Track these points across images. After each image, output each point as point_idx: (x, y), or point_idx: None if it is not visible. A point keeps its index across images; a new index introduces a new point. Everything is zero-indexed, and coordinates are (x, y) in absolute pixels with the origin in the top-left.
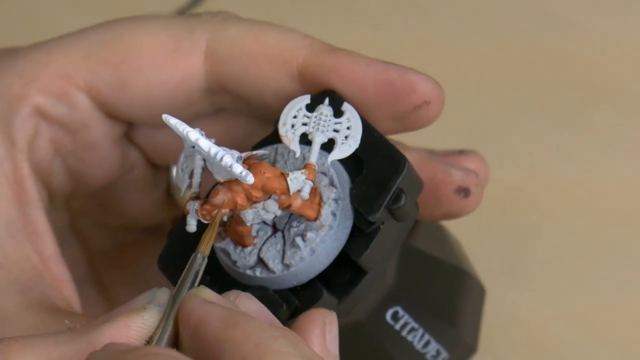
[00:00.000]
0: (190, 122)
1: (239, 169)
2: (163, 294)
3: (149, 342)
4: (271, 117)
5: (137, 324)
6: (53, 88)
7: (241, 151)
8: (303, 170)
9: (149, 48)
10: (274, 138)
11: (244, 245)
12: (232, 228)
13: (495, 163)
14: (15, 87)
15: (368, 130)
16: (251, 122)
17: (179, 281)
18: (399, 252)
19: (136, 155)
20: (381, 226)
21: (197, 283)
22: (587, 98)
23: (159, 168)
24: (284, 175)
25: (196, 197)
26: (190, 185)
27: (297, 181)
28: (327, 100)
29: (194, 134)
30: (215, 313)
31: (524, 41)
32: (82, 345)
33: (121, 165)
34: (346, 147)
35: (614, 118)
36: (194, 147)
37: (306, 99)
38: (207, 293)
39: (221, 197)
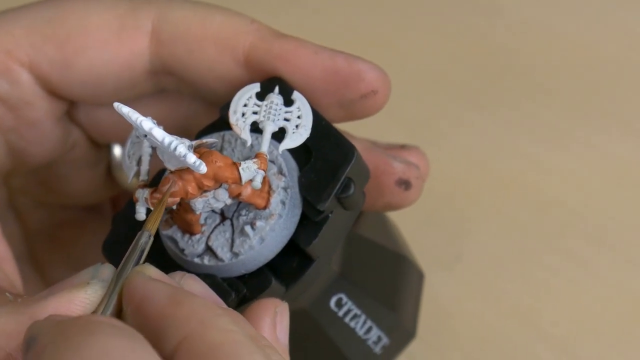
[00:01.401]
0: (133, 102)
1: (192, 158)
2: (106, 270)
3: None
4: (214, 101)
5: (79, 299)
6: None
7: (187, 137)
8: (255, 160)
9: (94, 27)
10: (220, 125)
11: (192, 233)
12: (180, 216)
13: (437, 154)
14: None
15: (316, 119)
16: (193, 104)
17: (124, 258)
18: (343, 243)
19: (78, 133)
20: (330, 215)
21: (142, 261)
22: (529, 92)
23: (100, 147)
24: (235, 165)
25: (145, 185)
26: (138, 173)
27: (249, 171)
28: (277, 89)
29: (147, 123)
30: (161, 290)
31: (469, 34)
32: (24, 318)
33: (63, 144)
34: (297, 137)
35: (555, 112)
36: (145, 135)
37: (256, 87)
38: (152, 271)
39: (174, 184)
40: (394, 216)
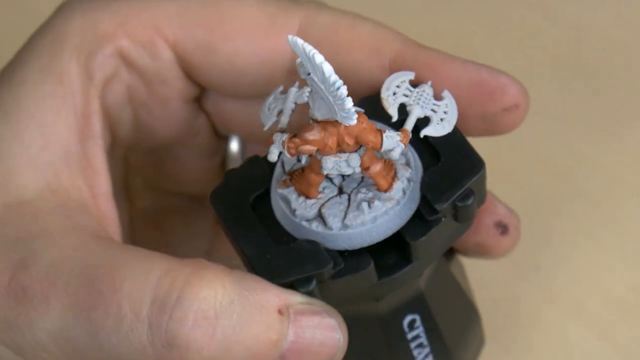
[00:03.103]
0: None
1: (350, 103)
2: None
3: None
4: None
5: None
6: (141, 35)
7: None
8: (398, 133)
9: (245, 17)
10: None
11: (308, 197)
12: (302, 176)
13: (516, 164)
14: (105, 25)
15: (453, 129)
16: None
17: None
18: (437, 264)
19: (203, 120)
20: (443, 219)
21: None
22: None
23: (220, 137)
24: (380, 131)
25: (283, 131)
26: (277, 123)
27: (392, 140)
28: (430, 82)
29: (319, 57)
30: None
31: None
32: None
33: (187, 127)
34: (440, 128)
35: None
36: (309, 74)
37: (411, 75)
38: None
39: (316, 133)
40: None
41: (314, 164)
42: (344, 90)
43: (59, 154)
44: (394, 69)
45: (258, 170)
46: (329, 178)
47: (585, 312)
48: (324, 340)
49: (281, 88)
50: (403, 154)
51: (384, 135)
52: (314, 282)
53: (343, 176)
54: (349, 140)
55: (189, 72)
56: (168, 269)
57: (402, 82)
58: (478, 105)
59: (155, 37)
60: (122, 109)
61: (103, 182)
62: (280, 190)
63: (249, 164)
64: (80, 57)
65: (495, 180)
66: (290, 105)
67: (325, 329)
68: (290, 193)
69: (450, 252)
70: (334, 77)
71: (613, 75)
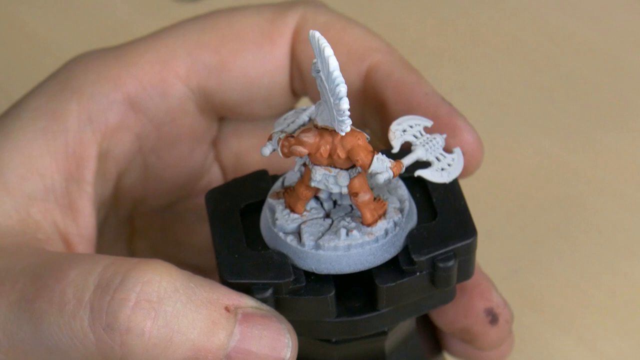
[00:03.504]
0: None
1: (345, 104)
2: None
3: None
4: None
5: None
6: (150, 75)
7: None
8: (391, 160)
9: (246, 30)
10: None
11: (294, 211)
12: (293, 190)
13: (500, 169)
14: (111, 69)
15: (457, 193)
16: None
17: None
18: (407, 336)
19: (217, 176)
20: (418, 273)
21: None
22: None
23: None
24: (373, 152)
25: (283, 132)
26: (283, 131)
27: (382, 163)
28: (445, 135)
29: (329, 50)
30: None
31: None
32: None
33: (199, 174)
34: (437, 175)
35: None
36: (318, 72)
37: (428, 122)
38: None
39: (311, 136)
40: None
41: (306, 175)
42: (342, 89)
43: (37, 187)
44: (367, 77)
45: (260, 183)
46: (319, 201)
47: (566, 317)
48: (271, 342)
49: (305, 107)
50: (400, 200)
51: (376, 156)
52: (270, 291)
53: (334, 203)
54: (341, 153)
55: (203, 103)
56: (115, 259)
57: (416, 124)
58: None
59: (165, 74)
60: (132, 158)
61: (84, 227)
62: (270, 200)
63: (254, 175)
64: (82, 99)
65: (478, 184)
66: (303, 117)
67: (273, 332)
68: (278, 204)
69: (437, 348)
70: (337, 72)
71: (591, 82)
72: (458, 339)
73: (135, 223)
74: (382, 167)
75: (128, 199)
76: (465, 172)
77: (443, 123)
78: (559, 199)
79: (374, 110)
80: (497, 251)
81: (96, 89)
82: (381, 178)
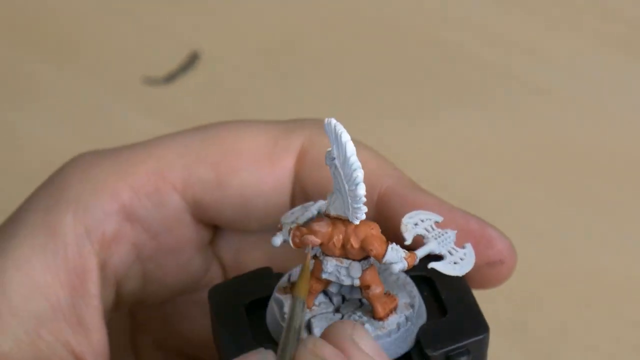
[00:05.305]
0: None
1: (362, 190)
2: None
3: None
4: None
5: None
6: (146, 185)
7: None
8: (405, 251)
9: (249, 148)
10: None
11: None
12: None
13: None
14: (107, 178)
15: (466, 289)
16: None
17: (284, 334)
18: None
19: (217, 273)
20: None
21: (300, 332)
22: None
23: None
24: (387, 242)
25: (294, 223)
26: (292, 222)
27: (396, 254)
28: (456, 231)
29: (346, 136)
30: None
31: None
32: None
33: (200, 278)
34: (450, 268)
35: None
36: (333, 159)
37: (439, 218)
38: (326, 348)
39: (324, 225)
40: None
41: (316, 267)
42: (360, 174)
43: (44, 307)
44: (380, 202)
45: (265, 279)
46: (328, 296)
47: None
48: None
49: (311, 202)
50: (410, 296)
51: (390, 246)
52: None
53: (343, 298)
54: (355, 242)
55: (199, 215)
56: None
57: (427, 219)
58: None
59: (161, 184)
60: (130, 267)
61: (96, 342)
62: (277, 295)
63: (258, 272)
64: (78, 210)
65: None
66: (312, 211)
67: None
68: (287, 299)
69: None
70: (354, 157)
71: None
72: None
73: (137, 317)
74: (396, 257)
75: (128, 302)
76: (498, 280)
77: (476, 236)
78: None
79: (392, 234)
80: None
81: (91, 201)
82: (396, 268)
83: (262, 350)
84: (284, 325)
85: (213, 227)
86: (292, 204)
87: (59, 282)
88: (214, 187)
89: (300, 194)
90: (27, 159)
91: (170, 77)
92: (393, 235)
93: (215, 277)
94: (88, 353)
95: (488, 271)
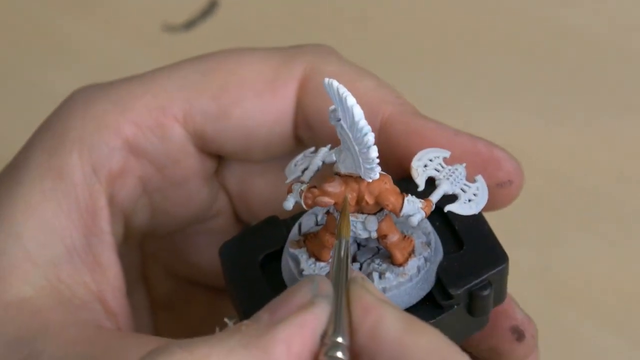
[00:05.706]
0: (282, 160)
1: (374, 152)
2: (325, 284)
3: (323, 338)
4: None
5: (311, 322)
6: (148, 119)
7: None
8: (421, 200)
9: (250, 77)
10: None
11: (319, 259)
12: (317, 237)
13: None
14: (109, 115)
15: (481, 220)
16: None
17: (334, 268)
18: None
19: (224, 202)
20: (456, 306)
21: (347, 271)
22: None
23: (240, 223)
24: (402, 194)
25: (302, 182)
26: (299, 178)
27: (413, 205)
28: (464, 164)
29: (351, 99)
30: (394, 314)
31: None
32: (258, 353)
33: (207, 209)
34: (466, 207)
35: None
36: (339, 120)
37: (446, 153)
38: (372, 286)
39: (336, 185)
40: None
41: (330, 223)
42: (370, 137)
43: (60, 250)
44: (383, 131)
45: (274, 230)
46: None
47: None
48: None
49: (312, 148)
50: (425, 233)
51: (406, 199)
52: None
53: (359, 245)
54: (369, 199)
55: (202, 145)
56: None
57: (435, 157)
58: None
59: (163, 118)
60: (137, 200)
61: (112, 278)
62: (291, 250)
63: (266, 223)
64: (83, 150)
65: None
66: (317, 163)
67: None
68: (301, 253)
69: None
70: (363, 122)
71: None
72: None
73: (145, 248)
74: (414, 208)
75: (137, 235)
76: (507, 200)
77: (485, 158)
78: (583, 190)
79: (396, 163)
80: (524, 250)
81: (95, 139)
82: (415, 220)
83: (313, 276)
84: (334, 262)
85: (217, 157)
86: (295, 132)
87: (73, 224)
88: (215, 118)
89: (303, 122)
90: (47, 111)
91: (190, 24)
92: (398, 162)
93: (222, 206)
94: (106, 290)
95: (498, 191)
